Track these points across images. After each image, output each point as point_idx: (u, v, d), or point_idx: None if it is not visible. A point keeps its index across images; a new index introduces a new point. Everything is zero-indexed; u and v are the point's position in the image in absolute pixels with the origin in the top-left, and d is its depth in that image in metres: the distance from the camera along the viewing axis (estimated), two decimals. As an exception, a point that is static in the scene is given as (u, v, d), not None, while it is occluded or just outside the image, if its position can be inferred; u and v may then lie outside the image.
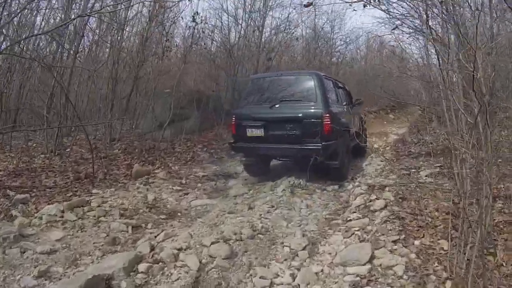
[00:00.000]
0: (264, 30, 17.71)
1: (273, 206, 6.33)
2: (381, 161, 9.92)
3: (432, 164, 8.39)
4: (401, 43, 15.10)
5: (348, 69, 25.18)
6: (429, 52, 18.23)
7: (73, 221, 5.67)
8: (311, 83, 7.99)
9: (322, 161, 7.64)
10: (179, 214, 6.50)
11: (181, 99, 13.11)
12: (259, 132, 8.01)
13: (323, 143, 7.41)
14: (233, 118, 8.55)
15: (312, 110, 7.65)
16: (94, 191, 7.14)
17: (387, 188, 6.74)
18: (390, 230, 5.00)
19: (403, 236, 4.78)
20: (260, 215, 5.88)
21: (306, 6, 11.52)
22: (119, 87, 13.19)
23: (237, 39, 17.00)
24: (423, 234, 4.83)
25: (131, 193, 7.12)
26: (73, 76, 12.09)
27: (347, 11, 25.01)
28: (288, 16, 18.57)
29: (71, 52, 11.21)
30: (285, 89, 8.27)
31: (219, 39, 17.28)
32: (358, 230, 5.16)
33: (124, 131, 13.39)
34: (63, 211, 5.87)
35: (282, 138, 7.77)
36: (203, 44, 15.64)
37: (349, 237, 5.04)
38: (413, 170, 8.19)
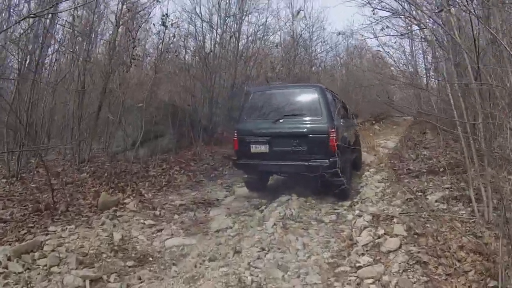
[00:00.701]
0: (241, 37, 16.82)
1: (263, 249, 5.30)
2: (379, 181, 9.08)
3: (439, 185, 7.62)
4: (384, 48, 14.48)
5: (329, 77, 24.41)
6: (416, 58, 17.91)
7: (18, 273, 4.59)
8: (314, 97, 7.79)
9: (327, 178, 7.42)
10: (150, 258, 5.39)
11: (155, 114, 12.13)
12: (264, 149, 7.75)
13: (330, 159, 7.18)
14: (235, 134, 8.20)
15: (318, 125, 7.46)
16: (51, 228, 6.06)
17: (395, 220, 5.89)
18: (414, 282, 4.12)
19: (432, 291, 3.86)
20: (249, 263, 4.88)
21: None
22: (87, 101, 12.10)
23: (212, 46, 16.00)
24: (455, 287, 3.95)
25: (94, 231, 6.01)
26: (40, 91, 11.09)
27: (327, 15, 24.44)
28: (265, 22, 17.69)
29: (29, 63, 10.05)
30: (288, 103, 7.99)
31: (193, 46, 16.30)
32: (373, 283, 4.25)
33: (95, 151, 12.29)
34: (9, 259, 4.79)
35: (288, 155, 7.54)
36: (175, 51, 14.41)
37: (364, 294, 4.09)
38: (419, 194, 7.28)
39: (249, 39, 17.05)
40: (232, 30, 16.29)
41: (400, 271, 4.33)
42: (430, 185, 7.80)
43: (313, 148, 7.38)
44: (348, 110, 10.22)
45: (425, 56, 16.63)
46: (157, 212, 7.33)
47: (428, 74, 14.75)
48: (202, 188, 9.53)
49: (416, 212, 6.15)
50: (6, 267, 4.66)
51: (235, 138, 8.17)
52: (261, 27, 17.62)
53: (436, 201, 6.69)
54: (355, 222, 6.24)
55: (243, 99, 9.93)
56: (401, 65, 16.27)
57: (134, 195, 8.19)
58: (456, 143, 9.86)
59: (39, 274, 4.64)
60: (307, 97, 7.98)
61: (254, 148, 7.82)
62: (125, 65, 11.42)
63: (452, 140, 10.99)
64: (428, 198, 6.94)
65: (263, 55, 17.40)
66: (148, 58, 14.48)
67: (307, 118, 7.65)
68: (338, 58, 27.41)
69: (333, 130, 7.34)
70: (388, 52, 16.33)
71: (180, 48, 15.18)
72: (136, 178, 9.38)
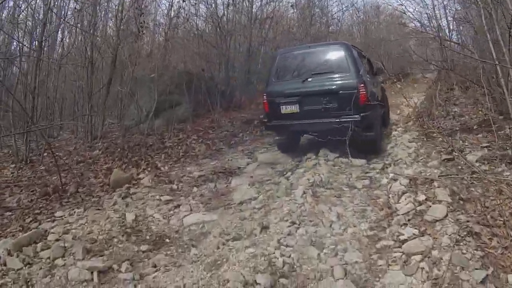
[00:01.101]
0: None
1: (294, 223, 4.65)
2: (410, 141, 8.41)
3: (476, 144, 6.98)
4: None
5: (348, 36, 23.43)
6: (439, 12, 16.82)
7: (17, 270, 4.06)
8: (341, 54, 7.76)
9: (359, 133, 7.35)
10: (167, 240, 4.80)
11: (168, 83, 11.46)
12: (294, 108, 7.74)
13: (361, 114, 7.22)
14: (264, 96, 8.24)
15: (347, 81, 7.43)
16: (58, 213, 5.61)
17: (435, 183, 5.24)
18: (470, 259, 3.47)
19: (491, 269, 3.33)
20: (279, 240, 4.25)
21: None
22: (97, 76, 11.52)
23: (225, 9, 14.99)
24: (515, 263, 3.32)
25: (105, 212, 5.49)
26: (46, 70, 10.56)
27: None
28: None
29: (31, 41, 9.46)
30: (316, 62, 7.95)
31: (205, 12, 15.39)
32: (422, 260, 3.62)
33: (108, 126, 11.75)
34: (9, 253, 4.27)
35: (318, 113, 7.51)
36: (186, 16, 13.59)
37: (414, 274, 3.48)
38: (455, 154, 6.55)
39: (263, 1, 16.04)
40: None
41: (452, 245, 3.68)
42: (466, 144, 7.16)
43: (344, 104, 7.25)
44: (373, 66, 9.97)
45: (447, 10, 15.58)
46: (174, 186, 6.75)
47: (451, 28, 13.83)
48: (222, 156, 8.90)
49: (457, 174, 5.56)
50: (5, 264, 4.16)
51: (265, 101, 8.18)
52: None
53: (476, 161, 6.02)
54: (390, 187, 5.61)
55: (270, 62, 9.49)
56: (423, 20, 15.43)
57: (149, 169, 7.66)
58: (487, 98, 9.31)
59: (41, 269, 4.12)
60: (333, 54, 7.92)
61: (285, 109, 7.81)
62: (133, 35, 10.72)
63: (482, 95, 10.33)
64: (466, 158, 6.23)
65: (279, 17, 16.50)
66: (160, 28, 13.72)
67: (335, 75, 7.60)
68: (355, 16, 26.37)
69: (362, 85, 7.32)
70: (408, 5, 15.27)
71: (192, 14, 14.32)
72: (151, 150, 8.79)
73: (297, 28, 18.18)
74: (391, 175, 6.17)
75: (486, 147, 6.65)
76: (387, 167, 6.80)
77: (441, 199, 4.66)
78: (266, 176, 7.17)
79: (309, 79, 7.76)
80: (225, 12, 14.73)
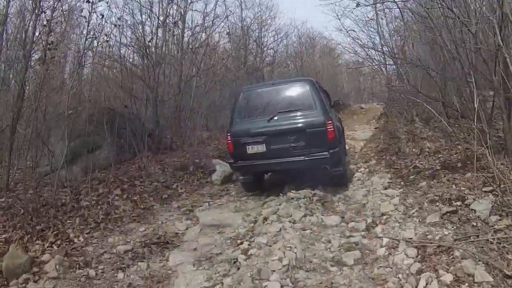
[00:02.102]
0: (186, 26, 14.33)
1: None
2: (385, 187, 7.53)
3: (473, 187, 6.01)
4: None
5: (284, 68, 22.52)
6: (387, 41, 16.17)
7: None
8: (306, 91, 7.82)
9: (328, 169, 7.51)
10: None
11: (86, 122, 9.55)
12: (261, 148, 7.62)
13: (330, 151, 7.33)
14: (229, 136, 7.97)
15: (314, 119, 7.49)
16: None
17: (456, 253, 4.13)
18: None
19: None
20: None
21: None
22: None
23: (153, 35, 13.14)
24: None
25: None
26: None
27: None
28: (214, 9, 15.24)
29: None
30: (281, 99, 7.94)
31: (130, 37, 13.21)
32: None
33: (19, 175, 9.53)
34: None
35: (286, 151, 7.50)
36: (105, 38, 11.20)
37: None
38: (457, 204, 5.53)
39: (195, 29, 14.50)
40: (175, 19, 13.68)
41: None
42: (462, 188, 6.13)
43: (312, 141, 7.36)
44: (331, 99, 9.65)
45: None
46: (92, 272, 4.95)
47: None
48: (154, 218, 7.22)
49: (476, 235, 4.52)
50: None
51: (229, 141, 7.96)
52: (209, 14, 15.16)
53: (490, 214, 4.99)
54: (394, 261, 4.38)
55: (233, 100, 9.55)
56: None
57: (58, 242, 5.77)
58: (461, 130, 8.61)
59: None
60: (298, 91, 7.97)
61: (251, 149, 7.67)
62: (40, 60, 8.69)
63: (452, 126, 9.47)
64: (475, 211, 5.18)
65: (212, 46, 15.04)
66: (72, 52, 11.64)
67: (302, 113, 7.61)
68: (292, 47, 25.78)
69: (329, 122, 7.44)
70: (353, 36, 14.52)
71: (114, 38, 12.32)
72: (63, 213, 6.83)
73: (232, 60, 16.84)
74: (385, 240, 4.99)
75: (490, 192, 5.65)
76: (372, 227, 5.66)
77: (480, 280, 3.53)
78: (214, 247, 5.63)
79: (275, 118, 7.67)
80: (154, 38, 12.88)
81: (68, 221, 6.53)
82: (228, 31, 16.45)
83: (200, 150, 11.83)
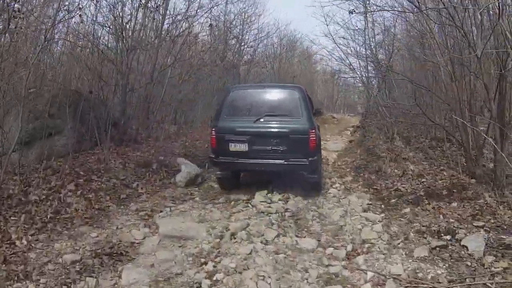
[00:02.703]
0: (167, 13, 13.36)
1: None
2: (364, 209, 7.16)
3: (461, 219, 5.84)
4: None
5: (261, 68, 21.97)
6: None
7: None
8: (295, 98, 8.05)
9: (304, 176, 7.86)
10: None
11: (48, 103, 8.81)
12: (243, 147, 7.84)
13: (309, 159, 7.61)
14: (213, 131, 8.17)
15: (299, 126, 7.74)
16: None
17: None
18: None
19: None
20: None
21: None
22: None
23: (131, 18, 12.03)
24: None
25: None
26: None
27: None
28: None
29: None
30: (269, 103, 8.25)
31: (106, 12, 11.86)
32: None
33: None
34: None
35: (267, 153, 7.77)
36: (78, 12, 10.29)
37: None
38: (447, 238, 5.28)
39: (177, 17, 13.63)
40: (158, 2, 12.81)
41: None
42: (450, 220, 5.90)
43: (293, 147, 7.62)
44: (313, 107, 9.70)
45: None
46: (31, 286, 4.31)
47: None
48: (109, 221, 6.52)
49: (472, 277, 4.27)
50: None
51: (213, 136, 8.13)
52: (193, 2, 14.20)
53: (484, 254, 4.72)
54: None
55: (222, 96, 9.51)
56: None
57: (-2, 243, 5.10)
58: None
59: None
60: (288, 98, 8.20)
61: (233, 147, 7.86)
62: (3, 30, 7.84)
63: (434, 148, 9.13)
64: (467, 248, 4.92)
65: (193, 36, 14.29)
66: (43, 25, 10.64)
67: (288, 119, 7.87)
68: (272, 48, 25.25)
69: (313, 131, 7.74)
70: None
71: (89, 14, 11.38)
72: (8, 207, 6.12)
73: (210, 53, 16.15)
74: (370, 274, 4.56)
75: (481, 227, 5.48)
76: (353, 256, 5.22)
77: None
78: (174, 265, 5.05)
79: (261, 120, 7.90)
80: (132, 20, 11.94)
81: (12, 218, 5.82)
82: (210, 23, 15.63)
83: (166, 146, 11.18)
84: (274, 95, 8.44)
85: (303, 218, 6.80)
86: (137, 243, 5.77)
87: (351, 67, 14.70)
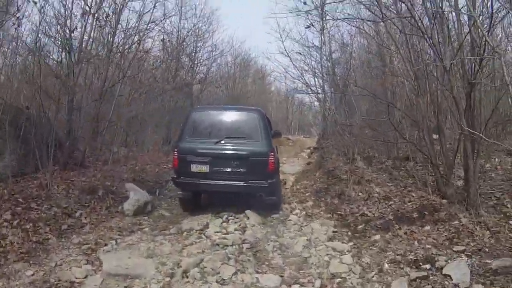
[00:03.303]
0: (118, 25, 12.58)
1: None
2: (330, 238, 6.77)
3: (439, 244, 5.60)
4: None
5: (215, 88, 21.52)
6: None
7: None
8: (255, 121, 8.31)
9: (263, 197, 8.04)
10: None
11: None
12: (205, 168, 7.99)
13: (268, 181, 7.85)
14: (175, 152, 8.33)
15: (258, 149, 7.99)
16: None
17: None
18: None
19: None
20: None
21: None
22: None
23: (76, 27, 11.00)
24: None
25: None
26: None
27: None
28: (152, 11, 13.49)
29: None
30: (230, 125, 8.44)
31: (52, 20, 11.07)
32: None
33: None
34: None
35: (228, 175, 7.96)
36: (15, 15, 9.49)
37: None
38: (427, 267, 4.94)
39: (128, 32, 12.79)
40: (109, 13, 12.12)
41: None
42: (427, 246, 5.61)
43: (253, 169, 7.85)
44: (272, 128, 9.74)
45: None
46: None
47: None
48: (47, 256, 5.88)
49: None
50: None
51: (175, 156, 8.27)
52: (144, 14, 13.25)
53: (471, 283, 4.45)
54: None
55: (184, 118, 9.63)
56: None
57: None
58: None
59: None
60: (248, 120, 8.43)
61: (195, 168, 8.00)
62: None
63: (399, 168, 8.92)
64: (450, 277, 4.62)
65: (144, 50, 13.60)
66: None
67: (247, 141, 8.10)
68: (226, 67, 24.86)
69: (272, 154, 7.99)
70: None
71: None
72: None
73: (162, 71, 15.58)
74: None
75: (461, 252, 5.23)
76: None
77: None
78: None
79: (222, 141, 8.11)
80: (81, 30, 11.07)
81: None
82: (163, 37, 15.00)
83: (115, 171, 10.45)
84: (234, 117, 8.66)
85: (262, 250, 6.39)
86: (78, 282, 5.20)
87: (307, 85, 14.50)
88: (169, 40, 16.82)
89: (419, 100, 7.75)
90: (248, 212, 8.15)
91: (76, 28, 10.73)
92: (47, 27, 10.72)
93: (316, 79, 15.51)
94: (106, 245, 6.48)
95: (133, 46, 12.51)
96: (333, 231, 7.00)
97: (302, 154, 20.58)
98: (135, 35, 12.52)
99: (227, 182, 7.99)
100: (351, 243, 6.35)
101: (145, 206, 8.61)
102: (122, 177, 9.95)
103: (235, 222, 7.60)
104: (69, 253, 6.09)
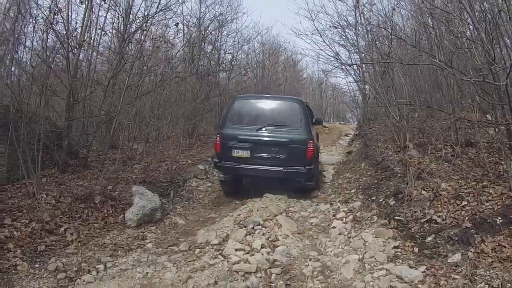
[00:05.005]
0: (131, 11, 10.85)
1: None
2: (390, 259, 4.93)
3: None
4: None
5: (243, 77, 19.90)
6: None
7: None
8: (295, 110, 8.64)
9: (303, 182, 8.45)
10: None
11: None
12: (245, 154, 8.30)
13: (306, 167, 8.16)
14: (218, 137, 8.63)
15: (298, 136, 8.30)
16: None
17: None
18: None
19: None
20: None
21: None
22: None
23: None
24: None
25: None
26: None
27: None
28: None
29: None
30: (271, 113, 8.77)
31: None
32: None
33: None
34: None
35: (268, 160, 8.27)
36: None
37: None
38: None
39: (137, 13, 11.09)
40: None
41: None
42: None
43: (292, 156, 8.16)
44: (313, 116, 10.32)
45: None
46: None
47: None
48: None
49: None
50: None
51: (218, 142, 8.57)
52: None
53: None
54: None
55: (227, 105, 10.51)
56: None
57: None
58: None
59: None
60: (289, 109, 8.76)
61: (236, 152, 8.34)
62: None
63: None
64: None
65: (158, 37, 11.98)
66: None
67: (288, 129, 8.45)
68: (254, 53, 23.25)
69: (311, 142, 8.29)
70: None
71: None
72: None
73: (181, 61, 13.93)
74: None
75: None
76: None
77: None
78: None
79: (263, 129, 8.45)
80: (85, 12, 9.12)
81: None
82: (177, 22, 13.20)
83: (123, 171, 8.88)
84: (275, 106, 9.00)
85: (298, 276, 4.75)
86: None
87: (343, 65, 12.66)
88: (184, 24, 15.12)
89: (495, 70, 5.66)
90: (279, 217, 6.51)
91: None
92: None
93: (352, 57, 13.58)
94: (90, 272, 4.90)
95: (141, 32, 10.71)
96: (394, 247, 5.14)
97: (340, 142, 18.93)
98: (144, 21, 10.73)
99: (267, 167, 8.26)
100: (422, 267, 4.48)
101: (152, 213, 7.04)
102: (129, 179, 8.36)
103: (263, 234, 5.92)
104: (40, 286, 4.55)
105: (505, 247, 4.27)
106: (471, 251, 4.40)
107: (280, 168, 8.17)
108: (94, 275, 4.80)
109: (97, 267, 5.02)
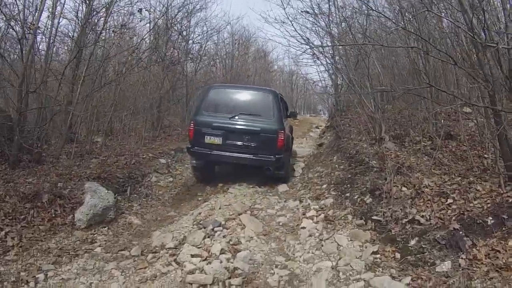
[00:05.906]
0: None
1: None
2: (368, 267, 4.41)
3: None
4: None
5: (211, 67, 19.34)
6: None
7: None
8: (269, 100, 8.96)
9: (272, 171, 8.72)
10: None
11: None
12: (217, 140, 8.58)
13: (276, 156, 8.43)
14: (192, 124, 8.88)
15: (269, 126, 8.59)
16: None
17: None
18: None
19: None
20: None
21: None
22: None
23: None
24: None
25: None
26: None
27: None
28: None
29: None
30: (245, 102, 9.12)
31: None
32: None
33: None
34: None
35: (239, 148, 8.58)
36: None
37: None
38: None
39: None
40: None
41: None
42: None
43: (263, 145, 8.47)
44: (287, 109, 10.88)
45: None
46: None
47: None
48: None
49: None
50: None
51: (191, 128, 8.83)
52: None
53: None
54: None
55: (202, 94, 10.67)
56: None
57: None
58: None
59: None
60: (262, 99, 9.11)
61: (209, 139, 8.61)
62: None
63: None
64: None
65: (122, 25, 11.37)
66: None
67: (260, 118, 8.70)
68: (223, 43, 22.69)
69: (281, 131, 8.60)
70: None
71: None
72: None
73: (146, 50, 13.27)
74: None
75: None
76: None
77: None
78: None
79: (236, 117, 8.72)
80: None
81: None
82: (140, 9, 12.55)
83: (78, 166, 8.30)
84: (249, 96, 9.32)
85: (262, 287, 4.34)
86: None
87: (315, 47, 12.14)
88: (149, 11, 14.45)
89: (483, 54, 5.24)
90: (243, 217, 6.09)
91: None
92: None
93: (325, 44, 13.09)
94: (28, 282, 4.39)
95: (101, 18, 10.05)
96: (373, 252, 4.63)
97: (310, 134, 18.66)
98: (104, 6, 10.04)
99: (238, 154, 8.53)
100: (407, 279, 3.95)
101: (105, 213, 6.51)
102: (83, 174, 7.77)
103: (224, 236, 5.48)
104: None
105: (499, 252, 3.87)
106: (462, 258, 3.99)
107: (251, 156, 8.44)
108: (32, 287, 4.29)
109: (37, 276, 4.52)
